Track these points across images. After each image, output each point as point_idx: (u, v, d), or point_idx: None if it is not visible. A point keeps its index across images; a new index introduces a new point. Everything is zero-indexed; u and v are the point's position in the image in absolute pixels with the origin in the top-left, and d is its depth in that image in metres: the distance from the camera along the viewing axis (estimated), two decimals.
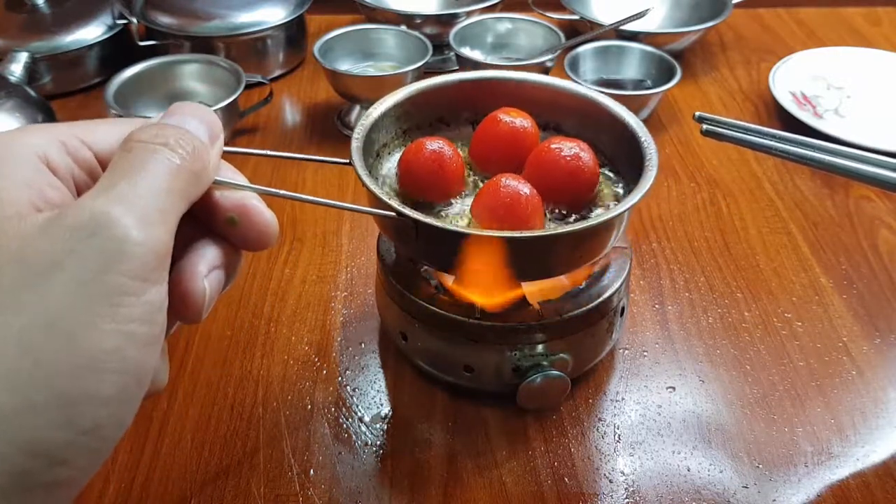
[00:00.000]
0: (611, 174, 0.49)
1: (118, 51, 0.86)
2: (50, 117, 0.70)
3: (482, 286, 0.45)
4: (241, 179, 0.30)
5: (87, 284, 0.22)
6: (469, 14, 0.86)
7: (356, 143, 0.44)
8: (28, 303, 0.21)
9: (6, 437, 0.20)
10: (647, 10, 0.79)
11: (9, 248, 0.22)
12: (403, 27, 0.82)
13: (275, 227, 0.29)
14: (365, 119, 0.46)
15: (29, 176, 0.24)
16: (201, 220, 0.29)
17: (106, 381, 0.22)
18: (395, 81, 0.74)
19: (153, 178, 0.24)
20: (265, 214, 0.29)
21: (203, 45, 0.83)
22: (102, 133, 0.27)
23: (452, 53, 0.81)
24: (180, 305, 0.27)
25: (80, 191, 0.26)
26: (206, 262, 0.28)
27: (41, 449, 0.21)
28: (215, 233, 0.29)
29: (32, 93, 0.71)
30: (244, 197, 0.29)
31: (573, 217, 0.45)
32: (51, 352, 0.21)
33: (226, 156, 0.30)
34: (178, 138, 0.26)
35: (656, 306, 0.58)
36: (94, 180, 0.24)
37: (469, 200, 0.45)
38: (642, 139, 0.45)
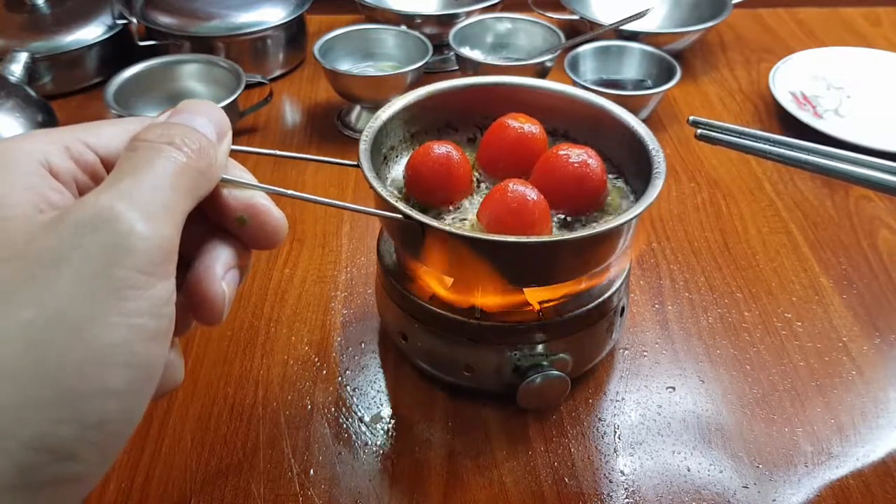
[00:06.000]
0: (619, 181, 0.48)
1: (118, 51, 0.86)
2: (50, 117, 0.70)
3: (485, 288, 0.45)
4: (250, 178, 0.30)
5: (92, 278, 0.22)
6: (469, 14, 0.86)
7: (364, 146, 0.43)
8: (33, 297, 0.21)
9: (10, 432, 0.20)
10: (647, 10, 0.79)
11: (14, 244, 0.22)
12: (403, 27, 0.82)
13: (284, 226, 0.29)
14: (373, 122, 0.46)
15: (31, 181, 0.24)
16: (212, 220, 0.29)
17: (113, 375, 0.22)
18: (395, 81, 0.74)
19: (158, 176, 0.24)
20: (274, 213, 0.29)
21: (203, 45, 0.83)
22: (107, 135, 0.27)
23: (452, 53, 0.81)
24: (200, 309, 0.27)
25: (83, 194, 0.26)
26: (221, 263, 0.28)
27: (47, 444, 0.21)
28: (227, 231, 0.29)
29: (32, 93, 0.71)
30: (253, 196, 0.29)
31: (580, 224, 0.45)
32: (56, 346, 0.21)
33: (233, 154, 0.30)
34: (184, 136, 0.26)
35: (656, 306, 0.58)
36: (98, 184, 0.24)
37: (476, 205, 0.45)
38: (650, 147, 0.45)
